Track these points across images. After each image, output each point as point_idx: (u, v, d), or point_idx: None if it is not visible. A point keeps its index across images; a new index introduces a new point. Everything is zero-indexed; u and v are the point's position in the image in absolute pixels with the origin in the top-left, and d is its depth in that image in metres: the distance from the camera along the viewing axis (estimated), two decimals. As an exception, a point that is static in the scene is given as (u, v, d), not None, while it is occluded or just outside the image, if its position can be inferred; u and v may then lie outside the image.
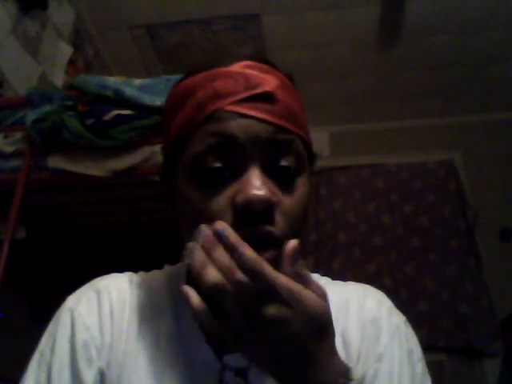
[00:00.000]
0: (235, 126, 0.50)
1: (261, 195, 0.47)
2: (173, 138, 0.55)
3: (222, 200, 0.49)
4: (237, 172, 0.50)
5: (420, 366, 0.58)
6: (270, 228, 0.48)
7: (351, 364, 0.54)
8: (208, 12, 2.71)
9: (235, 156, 0.50)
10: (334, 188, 3.34)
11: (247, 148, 0.50)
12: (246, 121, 0.50)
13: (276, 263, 0.46)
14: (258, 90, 0.51)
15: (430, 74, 3.14)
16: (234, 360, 0.55)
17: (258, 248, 0.45)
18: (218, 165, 0.50)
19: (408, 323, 0.62)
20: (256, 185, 0.48)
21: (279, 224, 0.49)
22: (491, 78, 3.15)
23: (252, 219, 0.47)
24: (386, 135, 3.45)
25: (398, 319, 0.62)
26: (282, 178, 0.51)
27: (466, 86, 3.23)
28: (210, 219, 0.48)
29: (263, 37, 2.86)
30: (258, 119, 0.50)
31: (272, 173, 0.51)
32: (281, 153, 0.51)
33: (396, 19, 2.71)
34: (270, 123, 0.50)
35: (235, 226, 0.47)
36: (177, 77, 1.52)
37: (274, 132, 0.50)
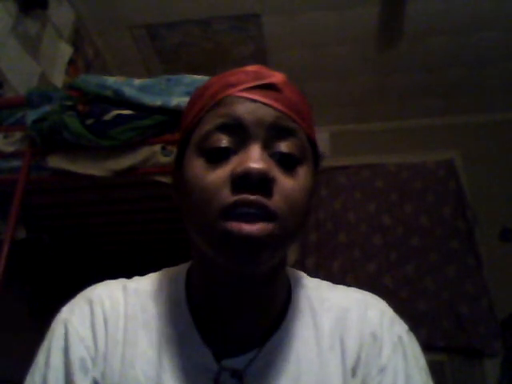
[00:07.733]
0: (242, 109, 0.53)
1: (258, 167, 0.49)
2: (187, 124, 0.58)
3: (222, 172, 0.51)
4: (239, 149, 0.52)
5: (423, 375, 0.58)
6: (264, 200, 0.49)
7: (346, 368, 0.56)
8: (208, 12, 2.71)
9: (239, 135, 0.52)
10: (334, 188, 3.33)
11: (251, 129, 0.52)
12: (252, 104, 0.53)
13: (266, 239, 0.48)
14: (266, 81, 0.55)
15: (430, 73, 3.14)
16: (232, 363, 0.56)
17: (249, 220, 0.47)
18: (222, 142, 0.52)
19: (410, 332, 0.62)
20: (254, 158, 0.50)
21: (276, 200, 0.50)
22: (491, 77, 3.15)
23: (248, 187, 0.49)
24: (385, 135, 3.44)
25: (400, 329, 0.61)
26: (283, 163, 0.53)
27: (466, 86, 3.22)
28: (209, 190, 0.50)
29: (263, 37, 2.86)
30: (263, 104, 0.53)
31: (274, 157, 0.52)
32: (283, 138, 0.53)
33: (396, 19, 2.70)
34: (274, 109, 0.53)
35: (232, 194, 0.49)
36: (177, 77, 1.54)
37: (277, 117, 0.53)
